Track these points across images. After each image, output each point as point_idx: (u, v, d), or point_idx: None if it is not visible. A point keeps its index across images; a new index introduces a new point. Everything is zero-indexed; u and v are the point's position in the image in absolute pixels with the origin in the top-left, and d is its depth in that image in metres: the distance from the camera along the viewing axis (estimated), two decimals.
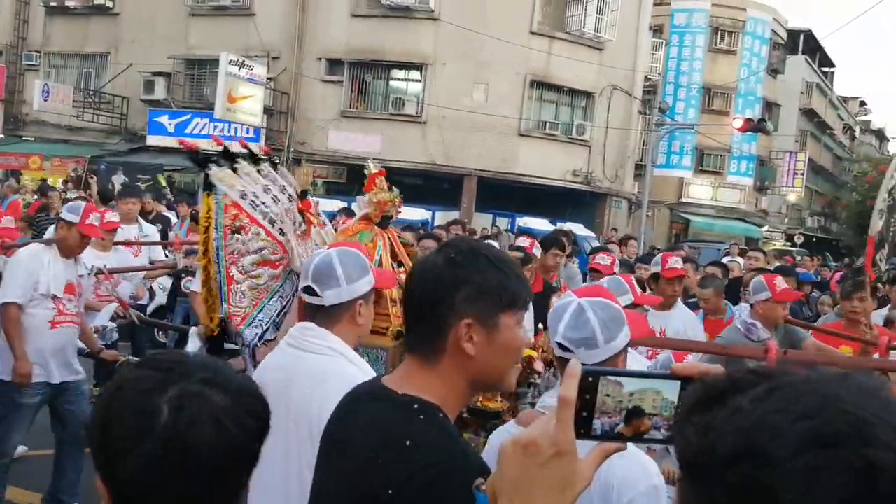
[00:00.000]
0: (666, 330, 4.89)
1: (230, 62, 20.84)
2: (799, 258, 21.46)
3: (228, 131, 22.74)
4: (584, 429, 0.88)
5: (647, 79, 27.53)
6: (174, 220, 12.31)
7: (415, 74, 22.32)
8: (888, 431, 0.62)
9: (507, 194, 22.06)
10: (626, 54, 24.45)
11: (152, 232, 8.38)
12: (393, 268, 3.68)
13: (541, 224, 18.92)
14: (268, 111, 22.70)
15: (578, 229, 19.04)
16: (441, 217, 18.18)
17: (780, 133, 36.75)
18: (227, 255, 3.65)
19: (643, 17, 25.63)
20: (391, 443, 1.42)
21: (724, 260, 11.88)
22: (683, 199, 33.05)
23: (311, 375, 2.35)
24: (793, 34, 39.31)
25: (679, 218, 33.07)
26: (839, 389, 0.66)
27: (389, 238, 3.84)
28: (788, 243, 35.50)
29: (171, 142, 23.42)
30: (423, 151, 21.48)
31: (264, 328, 3.57)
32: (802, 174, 37.17)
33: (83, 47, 26.43)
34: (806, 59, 41.68)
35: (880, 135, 61.85)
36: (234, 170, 3.98)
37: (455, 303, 1.46)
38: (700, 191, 33.17)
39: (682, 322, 5.11)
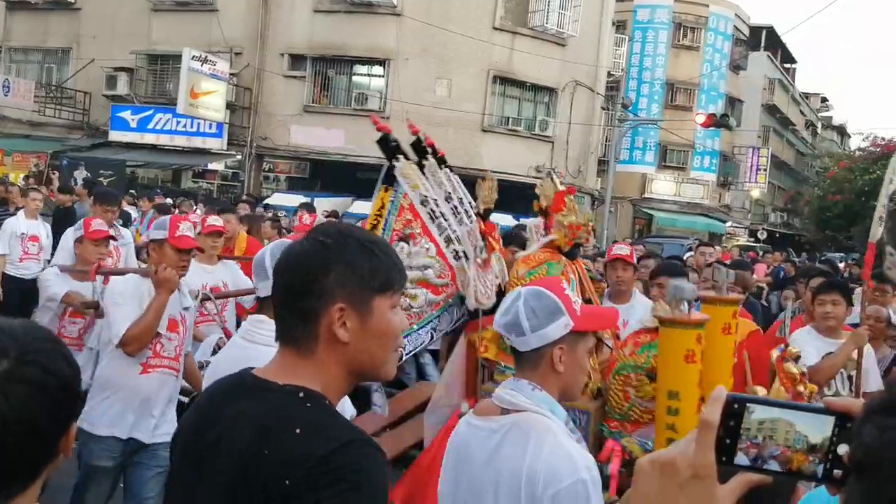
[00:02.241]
0: (629, 321, 4.63)
1: (193, 58, 20.80)
2: (762, 253, 21.87)
3: (191, 127, 22.72)
4: (726, 456, 0.85)
5: (610, 74, 27.80)
6: (135, 215, 12.29)
7: (378, 70, 22.41)
8: None
9: (470, 190, 22.12)
10: (589, 50, 24.69)
11: (128, 235, 7.42)
12: None
13: (505, 220, 19.04)
14: (230, 106, 22.66)
15: None
16: None
17: (743, 129, 37.29)
18: None
19: (606, 13, 25.90)
20: (278, 434, 1.33)
21: (686, 255, 12.04)
22: (647, 195, 33.43)
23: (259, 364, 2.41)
24: (755, 30, 39.86)
25: (642, 213, 33.45)
26: None
27: (579, 272, 3.14)
28: (752, 238, 36.08)
29: (133, 137, 23.33)
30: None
31: (402, 357, 3.01)
32: (765, 170, 37.72)
33: (45, 42, 26.17)
34: (768, 56, 42.29)
35: (842, 131, 62.87)
36: (421, 166, 3.41)
37: (325, 287, 1.41)
38: (663, 186, 33.59)
39: (644, 312, 5.00)
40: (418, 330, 3.11)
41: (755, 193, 40.33)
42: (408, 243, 3.17)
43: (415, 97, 21.04)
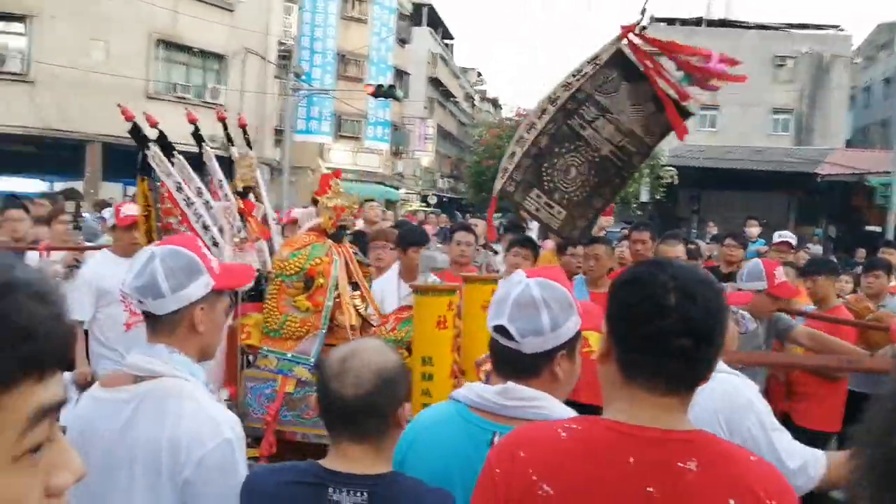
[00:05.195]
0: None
1: None
2: (426, 215, 23.24)
3: None
4: None
5: (281, 43, 27.42)
6: None
7: (17, 27, 19.67)
8: None
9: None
10: (258, 17, 24.09)
11: None
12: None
13: None
14: None
15: None
16: (61, 187, 16.42)
17: (411, 100, 39.20)
18: None
19: None
20: None
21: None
22: (326, 164, 33.75)
23: None
24: (417, 6, 41.93)
25: None
26: None
27: (345, 255, 3.23)
28: (423, 203, 38.22)
29: None
30: (32, 114, 19.09)
31: None
32: (432, 139, 40.11)
33: None
34: (430, 31, 44.78)
35: (495, 102, 69.14)
36: (171, 161, 3.39)
37: None
38: (340, 156, 34.14)
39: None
40: None
41: (424, 161, 42.75)
42: (168, 234, 3.13)
43: (66, 60, 18.90)
